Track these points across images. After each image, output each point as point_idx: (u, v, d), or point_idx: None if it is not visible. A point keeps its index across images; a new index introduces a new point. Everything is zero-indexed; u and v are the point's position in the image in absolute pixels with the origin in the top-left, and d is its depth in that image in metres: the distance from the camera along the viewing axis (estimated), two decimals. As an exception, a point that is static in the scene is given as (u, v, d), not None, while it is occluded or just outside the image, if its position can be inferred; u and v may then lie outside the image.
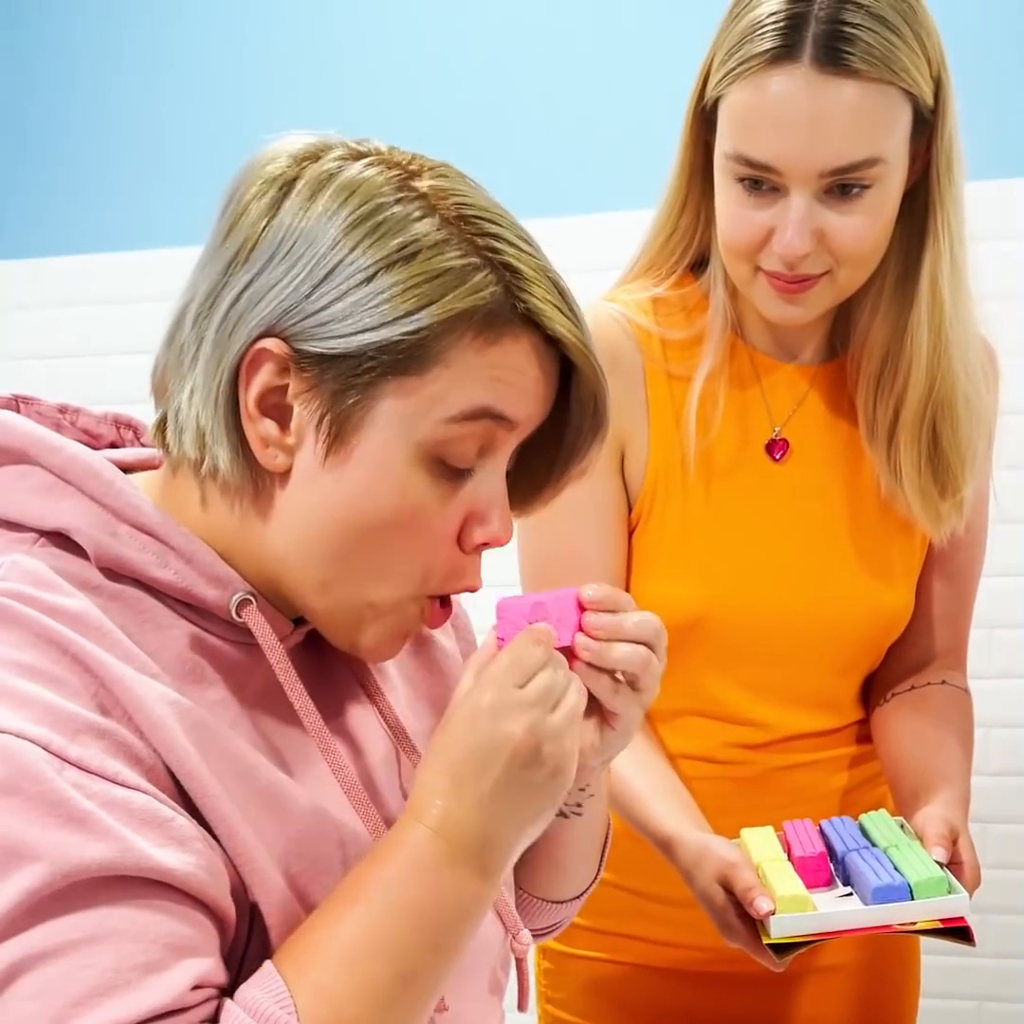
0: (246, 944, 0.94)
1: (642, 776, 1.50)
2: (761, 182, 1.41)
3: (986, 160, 2.52)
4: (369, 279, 0.93)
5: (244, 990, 0.90)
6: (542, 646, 0.96)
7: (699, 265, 1.58)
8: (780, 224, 1.41)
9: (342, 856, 0.99)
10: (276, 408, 0.96)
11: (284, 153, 0.99)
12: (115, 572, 0.98)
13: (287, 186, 0.97)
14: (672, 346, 1.55)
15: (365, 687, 1.11)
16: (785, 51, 1.37)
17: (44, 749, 0.86)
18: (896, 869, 1.31)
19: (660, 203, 1.57)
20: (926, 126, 1.44)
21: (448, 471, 0.97)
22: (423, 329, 0.93)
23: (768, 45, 1.37)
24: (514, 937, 1.13)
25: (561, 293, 0.98)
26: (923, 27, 1.40)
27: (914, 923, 1.30)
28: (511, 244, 0.97)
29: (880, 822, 1.43)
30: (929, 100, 1.41)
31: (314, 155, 0.98)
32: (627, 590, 1.56)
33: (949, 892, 1.30)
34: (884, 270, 1.50)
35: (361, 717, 1.10)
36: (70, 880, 0.83)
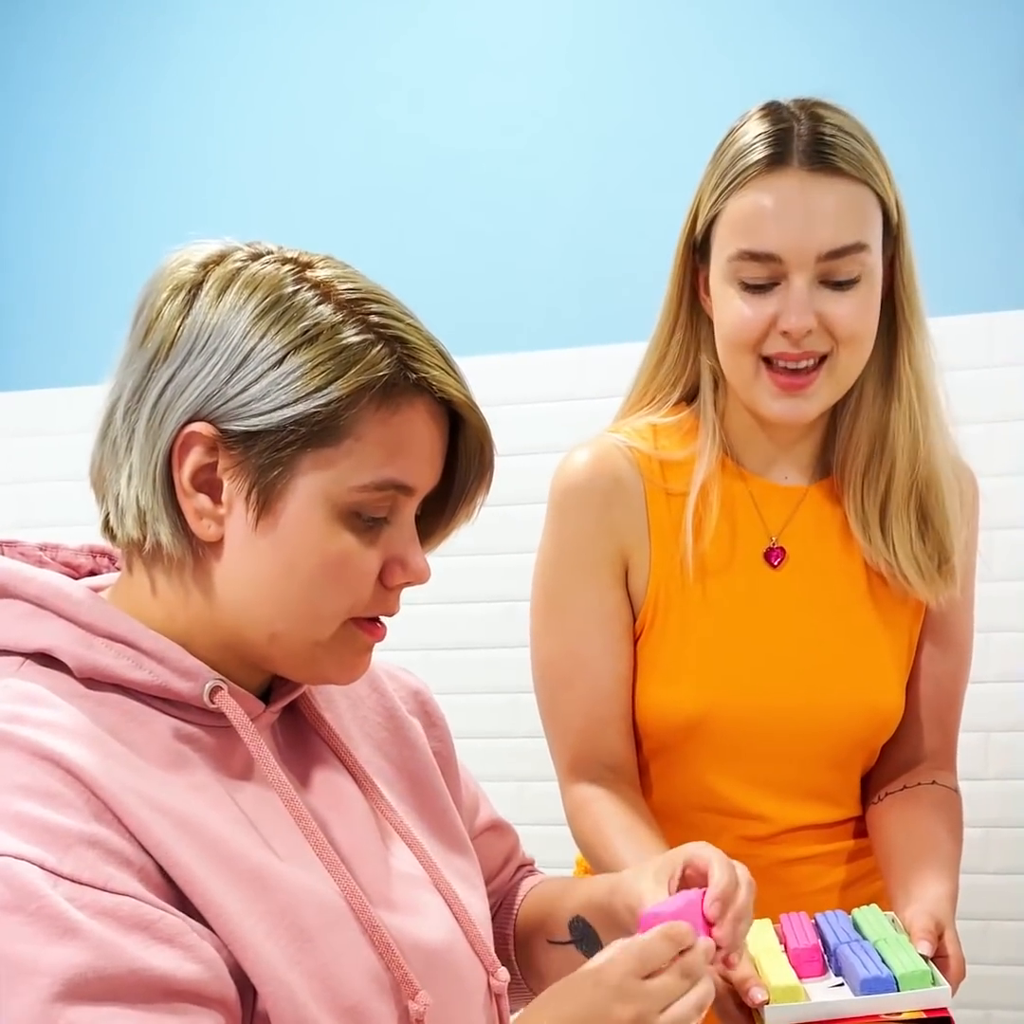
0: (251, 1014, 1.01)
1: None
2: (763, 282, 1.53)
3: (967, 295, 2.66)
4: (280, 361, 1.04)
5: None
6: (672, 943, 1.06)
7: (692, 398, 1.69)
8: (783, 308, 1.53)
9: (321, 923, 1.04)
10: (208, 484, 1.06)
11: (191, 260, 1.09)
12: (96, 681, 1.06)
13: (195, 288, 1.07)
14: (670, 466, 1.65)
15: (338, 753, 1.20)
16: (777, 158, 1.52)
17: (39, 867, 0.92)
18: (884, 962, 1.35)
19: (652, 334, 1.69)
20: (890, 241, 1.58)
21: (365, 522, 1.08)
22: (333, 402, 1.04)
23: (760, 155, 1.53)
24: (492, 974, 1.21)
25: (444, 358, 1.09)
26: (882, 153, 1.57)
27: (900, 1013, 1.34)
28: (398, 320, 1.08)
29: (871, 916, 1.47)
30: (894, 213, 1.57)
31: (217, 259, 1.09)
32: (633, 694, 1.65)
33: (933, 984, 1.34)
34: (864, 376, 1.62)
35: (337, 782, 1.18)
36: (71, 988, 0.89)
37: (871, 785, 1.74)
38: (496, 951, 1.32)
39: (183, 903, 0.99)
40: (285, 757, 1.16)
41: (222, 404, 1.04)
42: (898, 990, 1.34)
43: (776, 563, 1.66)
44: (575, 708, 1.65)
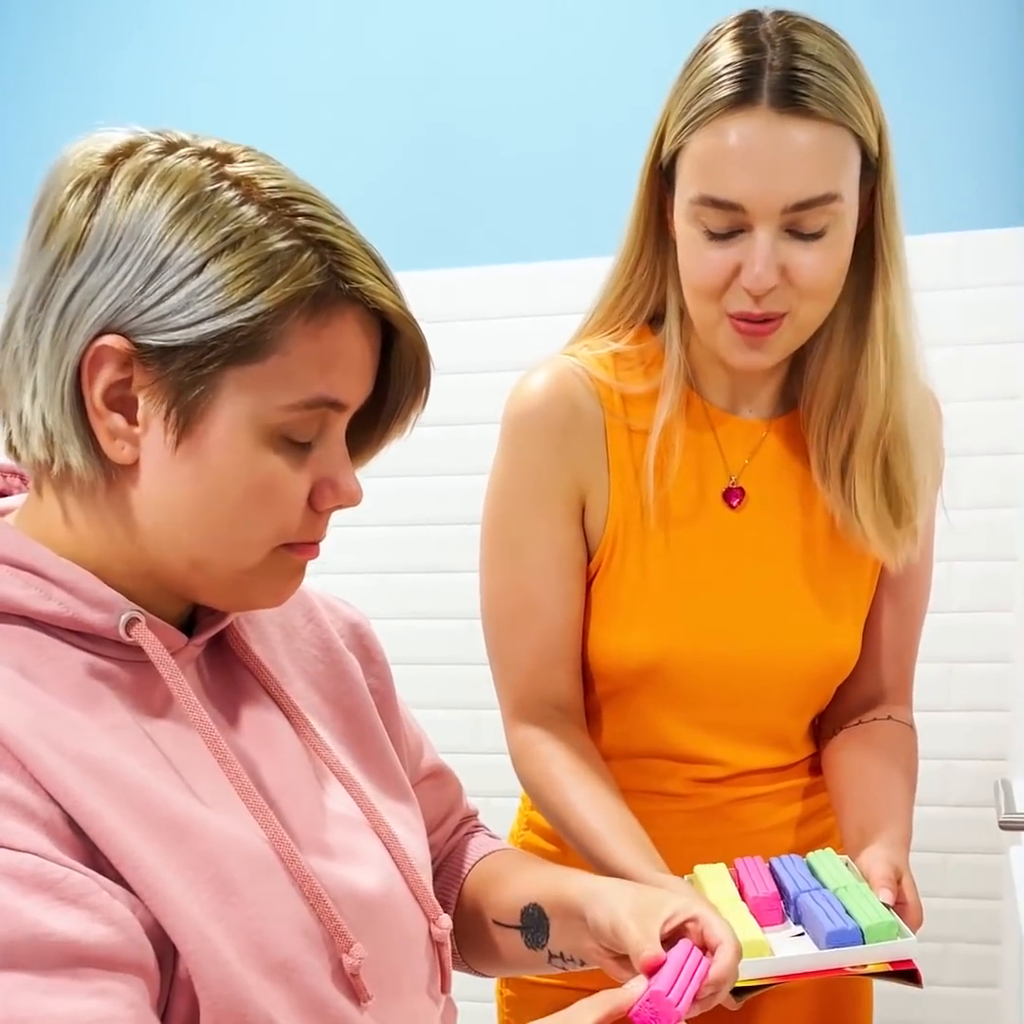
0: (171, 981, 0.96)
1: (597, 813, 1.51)
2: (725, 231, 1.45)
3: (937, 214, 2.60)
4: (199, 270, 0.96)
5: None
6: None
7: (655, 320, 1.62)
8: (746, 260, 1.44)
9: (247, 874, 0.99)
10: (121, 401, 0.98)
11: (96, 151, 1.00)
12: (2, 612, 1.00)
13: (102, 183, 0.98)
14: (632, 400, 1.58)
15: (268, 689, 1.13)
16: (743, 96, 1.41)
17: None
18: (847, 912, 1.34)
19: (616, 257, 1.61)
20: (871, 173, 1.49)
21: (293, 445, 1.01)
22: (259, 315, 0.96)
23: (726, 92, 1.42)
24: (433, 922, 1.17)
25: (378, 265, 1.02)
26: (865, 80, 1.46)
27: (865, 965, 1.32)
28: (327, 222, 1.00)
29: (827, 861, 1.45)
30: (874, 147, 1.47)
31: (126, 151, 1.00)
32: (584, 638, 1.60)
33: (899, 936, 1.33)
34: (834, 317, 1.54)
35: (268, 719, 1.12)
36: None
37: (826, 722, 1.72)
38: None
39: (95, 857, 0.93)
40: (210, 694, 1.10)
41: (136, 316, 0.96)
42: (864, 942, 1.32)
43: (735, 504, 1.61)
44: (522, 648, 1.61)
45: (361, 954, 1.04)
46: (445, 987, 1.20)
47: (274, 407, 0.99)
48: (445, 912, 1.25)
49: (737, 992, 1.31)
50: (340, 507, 1.06)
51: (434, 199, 3.01)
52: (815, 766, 1.71)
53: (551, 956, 1.27)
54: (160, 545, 1.01)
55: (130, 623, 1.01)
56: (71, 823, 0.92)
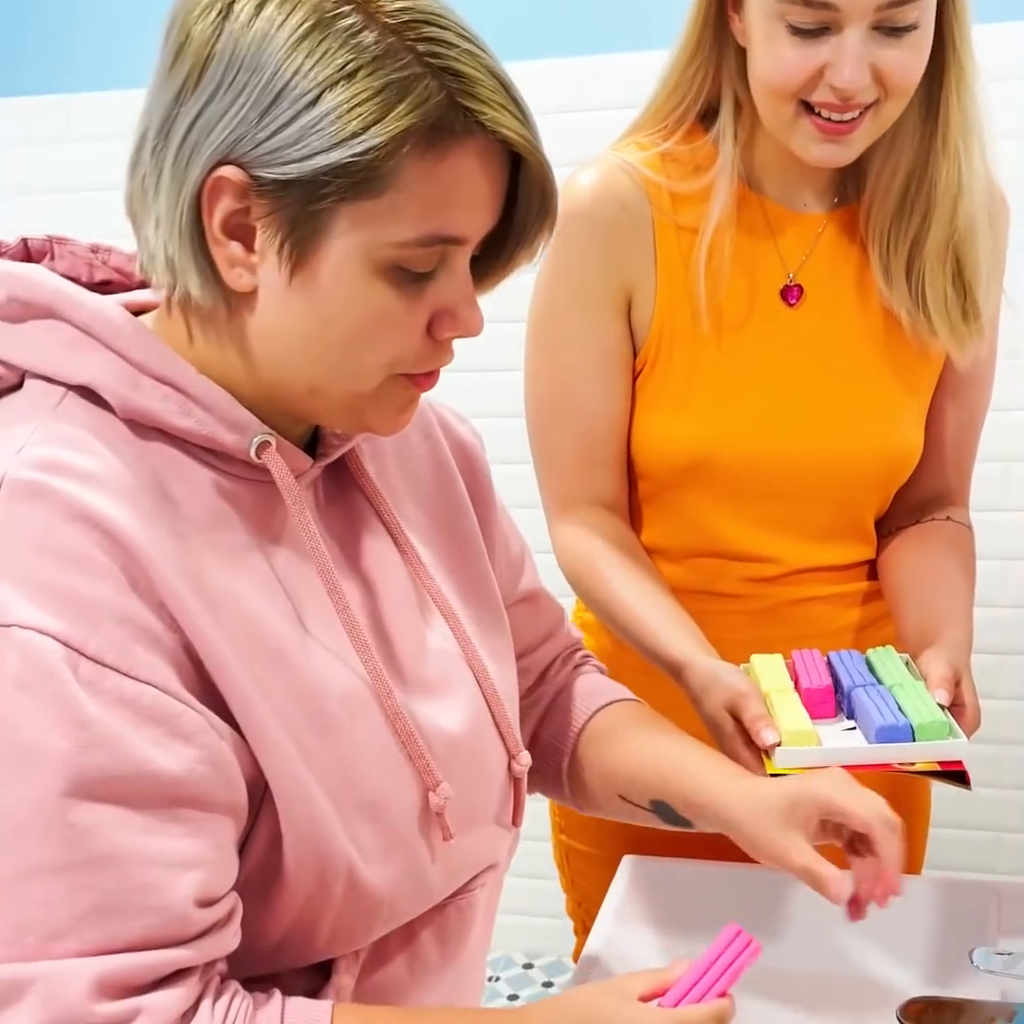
0: (256, 815, 0.98)
1: (645, 604, 1.51)
2: (812, 27, 1.40)
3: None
4: (314, 102, 0.92)
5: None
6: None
7: (707, 117, 1.57)
8: (835, 60, 1.40)
9: (343, 710, 1.01)
10: (240, 229, 0.96)
11: None
12: (139, 425, 0.99)
13: (227, 7, 0.95)
14: (681, 199, 1.55)
15: (380, 515, 1.13)
16: None
17: (63, 644, 0.88)
18: (900, 709, 1.33)
19: (672, 50, 1.56)
20: None
21: (409, 276, 0.98)
22: (371, 150, 0.92)
23: None
24: (513, 758, 1.18)
25: (505, 90, 0.97)
26: None
27: (913, 764, 1.32)
28: (453, 46, 0.95)
29: (887, 659, 1.44)
30: None
31: None
32: (629, 434, 1.59)
33: (950, 736, 1.32)
34: (904, 109, 1.49)
35: (378, 547, 1.13)
36: (77, 784, 0.87)
37: (883, 524, 1.71)
38: (542, 763, 1.33)
39: (207, 689, 0.95)
40: (325, 519, 1.10)
41: (252, 148, 0.93)
42: (914, 740, 1.32)
43: (793, 302, 1.58)
44: (567, 446, 1.60)
45: (448, 793, 1.06)
46: (517, 820, 1.22)
47: (388, 243, 0.96)
48: (557, 761, 1.29)
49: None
50: (460, 337, 1.03)
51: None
52: (875, 573, 1.70)
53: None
54: (278, 372, 1.01)
55: (261, 446, 1.01)
56: (189, 652, 0.94)
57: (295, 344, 0.99)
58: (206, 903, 0.93)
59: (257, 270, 0.97)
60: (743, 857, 1.24)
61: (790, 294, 1.58)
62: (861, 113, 1.44)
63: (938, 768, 1.33)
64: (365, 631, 1.05)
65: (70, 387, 1.00)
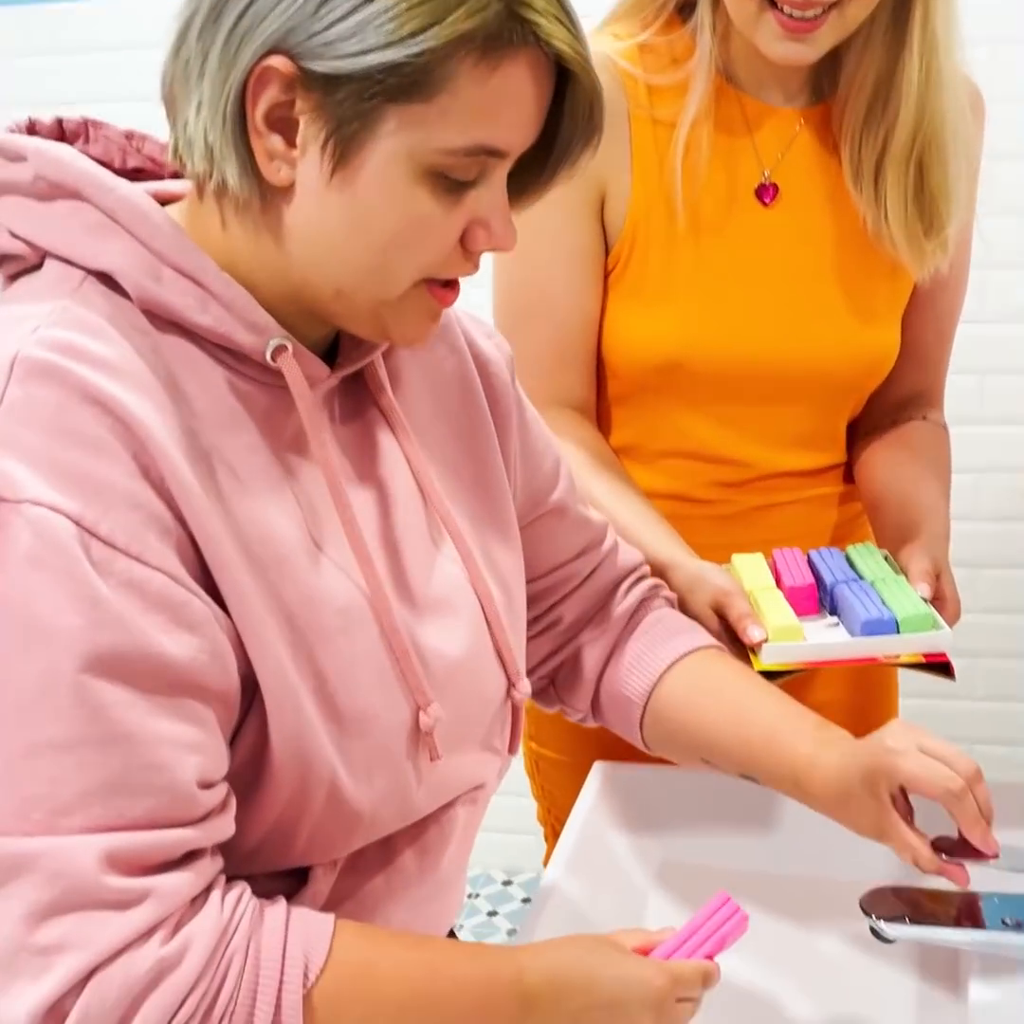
0: (246, 712, 0.98)
1: (621, 506, 1.50)
2: None
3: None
4: None
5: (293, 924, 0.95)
6: (704, 988, 1.05)
7: (686, 8, 1.55)
8: None
9: (341, 622, 1.01)
10: (283, 122, 0.94)
11: None
12: (156, 316, 0.98)
13: None
14: (658, 92, 1.52)
15: (395, 431, 1.12)
16: None
17: (76, 523, 0.87)
18: (883, 603, 1.34)
19: None
20: None
21: (450, 184, 0.97)
22: (426, 51, 0.90)
23: None
24: (513, 685, 1.17)
25: (561, 3, 0.96)
26: None
27: (898, 656, 1.33)
28: None
29: (867, 555, 1.45)
30: None
31: None
32: (599, 333, 1.58)
33: (934, 628, 1.33)
34: (876, 9, 1.47)
35: (394, 470, 1.11)
36: (84, 664, 0.86)
37: (858, 425, 1.70)
38: (613, 708, 1.33)
39: (207, 581, 0.94)
40: (339, 431, 1.09)
41: (305, 39, 0.91)
42: (899, 632, 1.33)
43: (768, 201, 1.56)
44: (538, 347, 1.57)
45: (439, 715, 1.05)
46: (512, 748, 1.21)
47: (433, 149, 0.94)
48: (628, 710, 1.30)
49: (769, 676, 1.32)
50: (493, 250, 1.02)
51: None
52: (849, 474, 1.70)
53: None
54: (306, 270, 0.99)
55: (278, 350, 1.00)
56: (194, 545, 0.93)
57: (328, 243, 0.97)
58: (207, 786, 0.93)
59: (297, 165, 0.95)
60: None
61: (765, 193, 1.55)
62: (825, 11, 1.41)
63: (923, 660, 1.33)
64: (374, 547, 1.05)
65: (90, 272, 0.98)
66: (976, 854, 1.11)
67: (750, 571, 1.44)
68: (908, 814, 1.14)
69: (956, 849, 1.11)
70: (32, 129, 1.05)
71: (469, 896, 3.12)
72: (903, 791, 1.14)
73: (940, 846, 1.11)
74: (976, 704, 2.81)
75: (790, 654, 1.33)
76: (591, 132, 1.02)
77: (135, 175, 1.07)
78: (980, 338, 2.51)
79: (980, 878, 1.14)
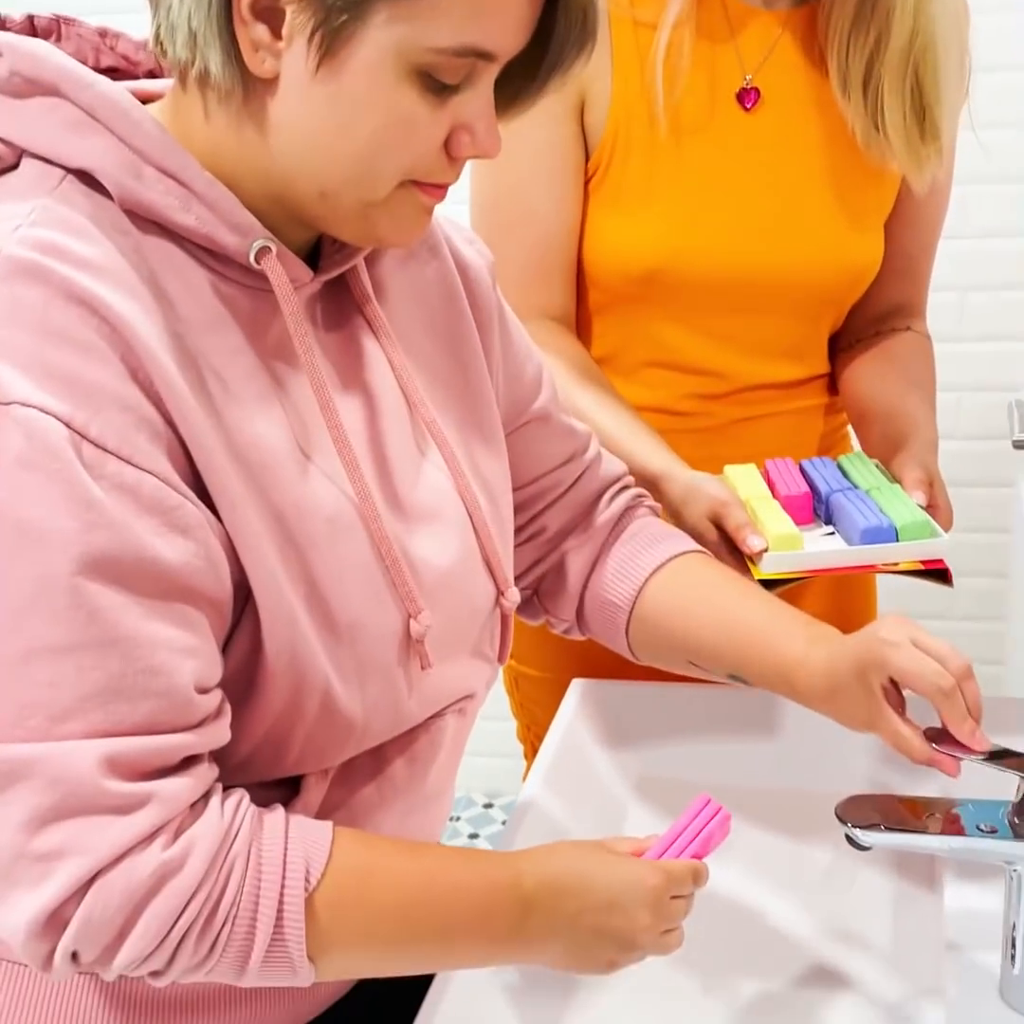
0: (238, 619, 0.97)
1: (608, 417, 1.48)
2: None
3: None
4: None
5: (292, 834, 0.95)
6: (695, 886, 1.07)
7: None
8: None
9: (330, 530, 0.99)
10: (269, 12, 0.92)
11: None
12: (138, 216, 0.96)
13: None
14: None
15: (379, 338, 1.10)
16: None
17: (66, 425, 0.86)
18: (881, 511, 1.34)
19: None
20: None
21: (437, 85, 0.94)
22: None
23: None
24: (502, 593, 1.16)
25: None
26: None
27: (897, 564, 1.33)
28: None
29: (859, 463, 1.45)
30: None
31: None
32: (580, 240, 1.55)
33: (932, 535, 1.33)
34: None
35: (379, 377, 1.09)
36: (79, 566, 0.86)
37: (841, 337, 1.69)
38: (598, 615, 1.32)
39: (198, 485, 0.93)
40: (323, 336, 1.06)
41: None
42: (898, 540, 1.33)
43: (749, 106, 1.53)
44: (518, 256, 1.55)
45: (428, 622, 1.04)
46: (502, 657, 1.21)
47: (422, 47, 0.92)
48: (613, 615, 1.28)
49: (768, 585, 1.32)
50: (476, 157, 1.00)
51: None
52: (832, 386, 1.69)
53: None
54: (289, 170, 0.96)
55: (261, 252, 0.98)
56: (184, 449, 0.91)
57: (311, 140, 0.95)
58: (203, 691, 0.92)
59: (282, 56, 0.93)
60: (686, 678, 1.25)
61: (746, 98, 1.53)
62: None
63: (921, 567, 1.34)
64: (362, 454, 1.03)
65: (69, 170, 0.95)
66: (966, 748, 1.10)
67: (744, 481, 1.43)
68: (900, 706, 1.13)
69: (947, 740, 1.10)
70: (1, 25, 1.02)
71: (450, 819, 3.14)
72: (895, 683, 1.13)
73: (931, 737, 1.11)
74: (957, 623, 2.83)
75: (790, 563, 1.33)
76: (585, 39, 1.00)
77: (110, 75, 1.03)
78: (960, 253, 2.50)
79: (957, 785, 1.16)
